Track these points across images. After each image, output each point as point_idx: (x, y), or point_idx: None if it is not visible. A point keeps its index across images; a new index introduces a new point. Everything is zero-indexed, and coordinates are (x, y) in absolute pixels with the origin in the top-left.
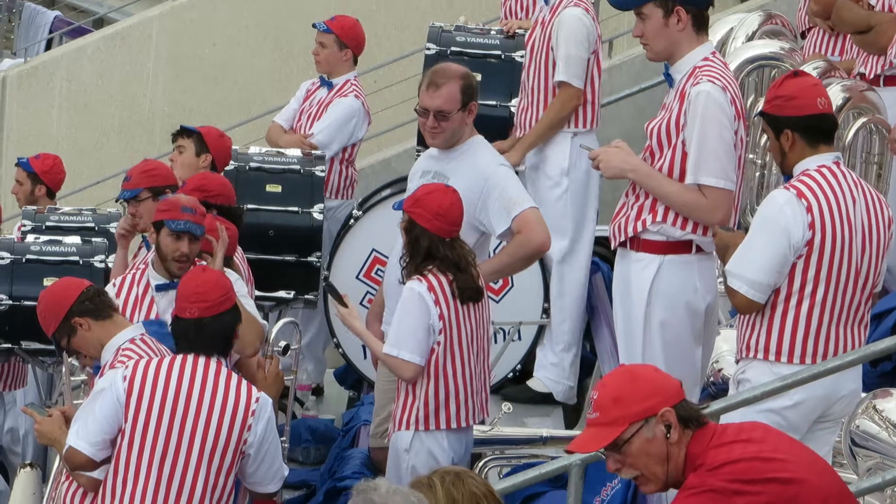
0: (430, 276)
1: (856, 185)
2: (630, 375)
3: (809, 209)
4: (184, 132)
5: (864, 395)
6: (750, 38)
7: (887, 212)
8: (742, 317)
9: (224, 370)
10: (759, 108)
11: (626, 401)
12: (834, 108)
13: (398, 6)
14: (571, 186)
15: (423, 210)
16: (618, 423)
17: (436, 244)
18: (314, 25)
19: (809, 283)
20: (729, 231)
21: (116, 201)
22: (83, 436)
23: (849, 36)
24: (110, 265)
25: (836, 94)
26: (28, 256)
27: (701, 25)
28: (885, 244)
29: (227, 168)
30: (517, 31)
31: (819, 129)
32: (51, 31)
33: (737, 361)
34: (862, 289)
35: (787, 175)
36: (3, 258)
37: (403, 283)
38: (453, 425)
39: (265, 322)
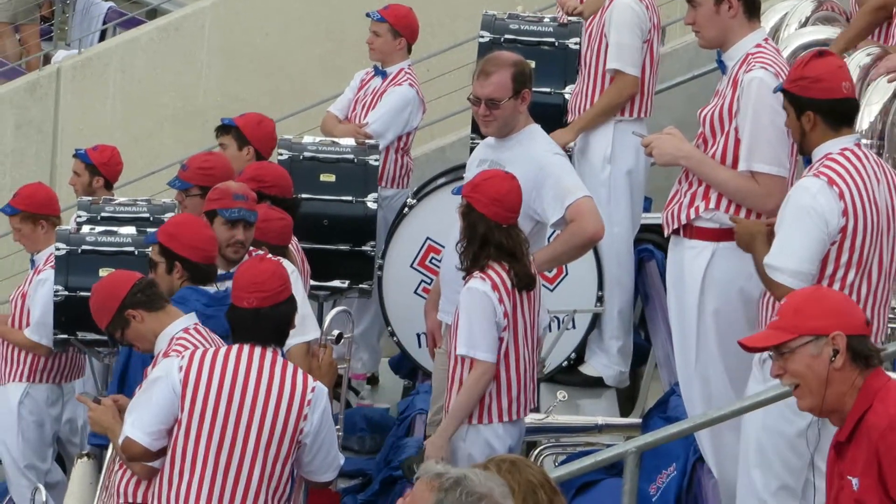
0: (491, 273)
1: (878, 167)
2: (819, 294)
3: (842, 196)
4: (222, 128)
5: None
6: (803, 25)
7: None
8: (766, 301)
9: (280, 360)
10: (779, 85)
11: (804, 313)
12: (889, 94)
13: None
14: (614, 173)
15: (482, 195)
16: (789, 331)
17: (492, 230)
18: (368, 14)
19: (841, 268)
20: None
21: (168, 185)
22: (139, 426)
23: None
24: None
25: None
26: (84, 247)
27: (753, 12)
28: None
29: (281, 158)
30: (570, 18)
31: (842, 114)
32: (104, 23)
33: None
34: (888, 271)
35: (806, 155)
36: (59, 249)
37: (462, 270)
38: (505, 419)
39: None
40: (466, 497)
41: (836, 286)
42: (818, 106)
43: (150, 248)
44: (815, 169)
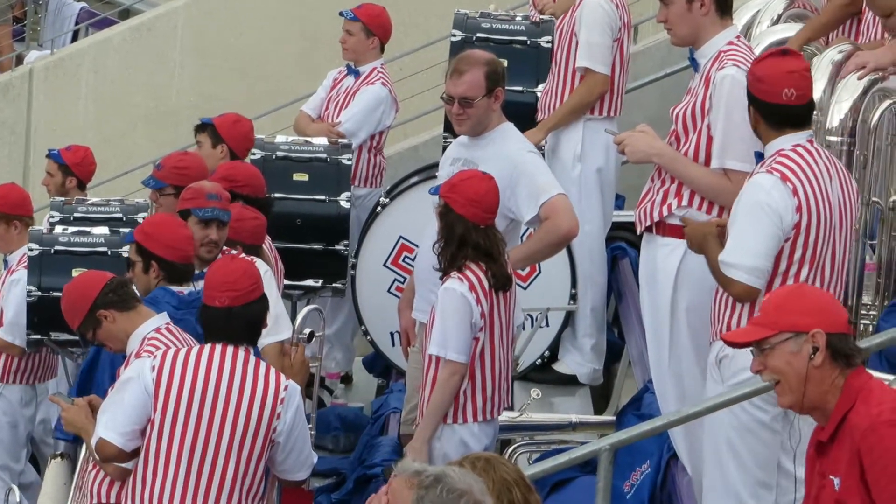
0: (469, 273)
1: (830, 163)
2: (801, 291)
3: (795, 192)
4: (199, 127)
5: (891, 376)
6: (775, 22)
7: (854, 186)
8: (720, 298)
9: (252, 359)
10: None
11: (785, 310)
12: (859, 91)
13: None
14: (584, 171)
15: (459, 196)
16: (770, 327)
17: (469, 231)
18: (341, 13)
19: (795, 264)
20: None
21: (142, 183)
22: (112, 426)
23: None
24: None
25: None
26: (56, 248)
27: (724, 9)
28: (854, 221)
29: (253, 157)
30: (543, 17)
31: (782, 117)
32: (77, 23)
33: (711, 341)
34: (840, 267)
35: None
36: (32, 249)
37: (440, 271)
38: (480, 418)
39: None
40: (447, 494)
41: (791, 281)
42: (757, 105)
43: (128, 247)
44: (767, 165)
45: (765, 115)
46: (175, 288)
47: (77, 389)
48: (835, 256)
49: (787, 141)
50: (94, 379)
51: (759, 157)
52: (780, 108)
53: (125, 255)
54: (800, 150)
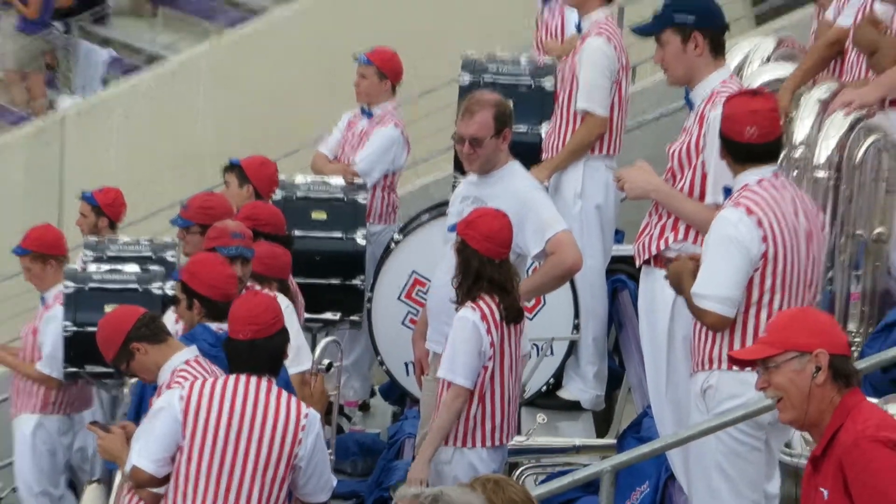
0: (482, 304)
1: (795, 195)
2: (806, 314)
3: (760, 223)
4: (228, 167)
5: (875, 399)
6: (765, 62)
7: (821, 216)
8: (699, 330)
9: (275, 388)
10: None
11: (791, 330)
12: (845, 128)
13: (434, 37)
14: (585, 208)
15: (475, 232)
16: (775, 346)
17: (485, 265)
18: (355, 58)
19: (767, 293)
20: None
21: (170, 222)
22: (145, 454)
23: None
24: (167, 291)
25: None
26: (90, 285)
27: (718, 50)
28: (822, 248)
29: (275, 197)
30: (546, 59)
31: (744, 154)
32: (106, 70)
33: (693, 373)
34: (812, 292)
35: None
36: (67, 287)
37: (456, 303)
38: (488, 444)
39: None
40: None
41: (765, 312)
42: (723, 141)
43: (174, 285)
44: (734, 199)
45: (730, 151)
46: (213, 325)
47: (133, 417)
48: (806, 283)
49: (751, 175)
50: (143, 408)
51: (728, 192)
52: (742, 145)
53: (155, 291)
54: (764, 183)
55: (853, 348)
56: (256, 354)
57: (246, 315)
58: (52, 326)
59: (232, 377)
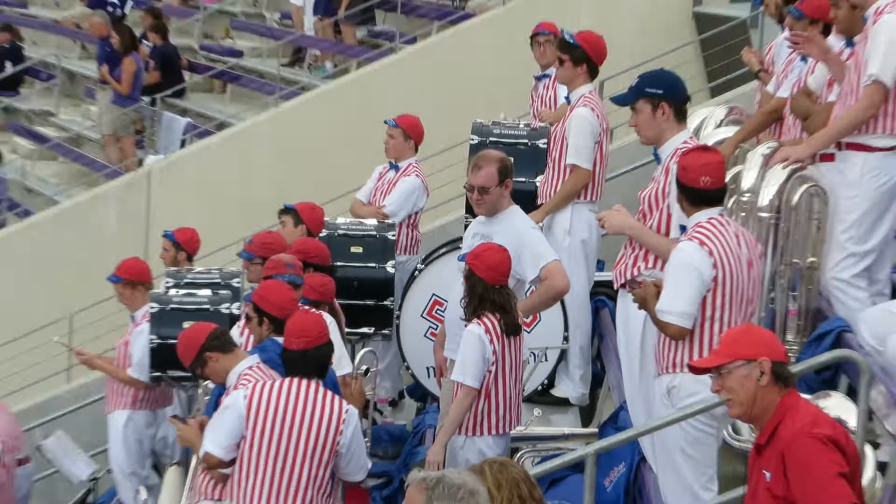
0: (486, 320)
1: (737, 230)
2: (751, 329)
3: (711, 253)
4: (284, 210)
5: (809, 396)
6: (718, 126)
7: (759, 248)
8: (662, 340)
9: (321, 389)
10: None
11: (739, 343)
12: (783, 178)
13: (450, 107)
14: (572, 243)
15: (481, 263)
16: (727, 356)
17: (488, 290)
18: (385, 122)
19: (717, 309)
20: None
21: (237, 255)
22: (215, 442)
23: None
24: (234, 311)
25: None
26: (171, 305)
27: (681, 116)
28: (761, 273)
29: (321, 235)
30: (540, 124)
31: (698, 198)
32: (184, 134)
33: (658, 375)
34: (752, 308)
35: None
36: (153, 307)
37: (465, 320)
38: (494, 432)
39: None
40: (448, 489)
41: (717, 325)
42: (681, 188)
43: (246, 305)
44: (689, 234)
45: (686, 196)
46: (280, 339)
47: (210, 412)
48: (747, 302)
49: (703, 215)
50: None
51: (683, 229)
52: (697, 191)
53: (224, 311)
54: (713, 221)
55: (791, 355)
56: (307, 362)
57: (298, 330)
58: (141, 339)
59: (287, 380)
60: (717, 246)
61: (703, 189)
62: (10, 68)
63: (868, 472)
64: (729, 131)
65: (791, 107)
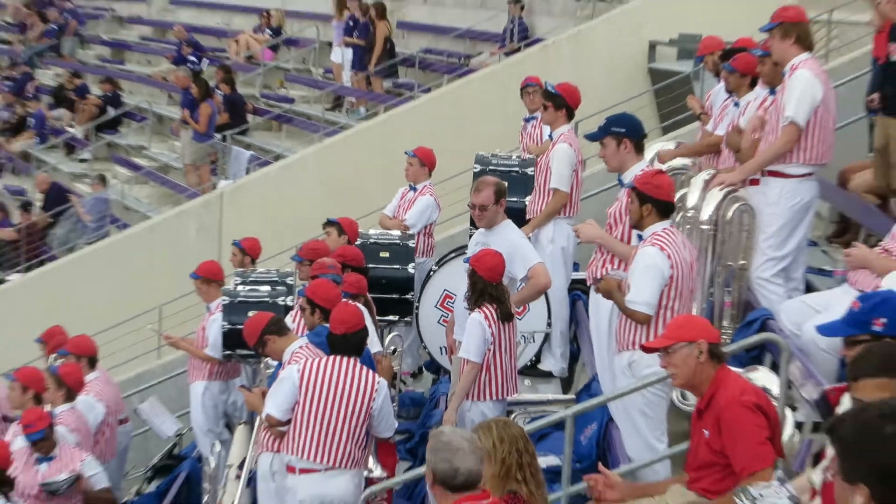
0: (485, 309)
1: (683, 238)
2: (691, 318)
3: (669, 256)
4: (329, 223)
5: (740, 370)
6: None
7: (696, 252)
8: (623, 323)
9: (358, 365)
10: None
11: (683, 329)
12: (720, 198)
13: (458, 142)
14: (554, 250)
15: (481, 265)
16: (673, 338)
17: (487, 286)
18: (406, 153)
19: (671, 300)
20: (604, 280)
21: (290, 258)
22: (275, 406)
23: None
24: (288, 303)
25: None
26: (239, 298)
27: (639, 149)
28: (698, 273)
29: (357, 242)
30: (529, 156)
31: (666, 209)
32: (248, 164)
33: (619, 352)
34: (693, 299)
35: (639, 230)
36: (224, 300)
37: (468, 310)
38: (493, 398)
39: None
40: (437, 442)
41: (669, 311)
42: (655, 202)
43: (300, 298)
44: (650, 241)
45: (659, 207)
46: (328, 325)
47: (270, 383)
48: (690, 294)
49: (658, 226)
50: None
51: (640, 237)
52: (668, 203)
53: (280, 303)
54: (667, 231)
55: (726, 337)
56: (347, 343)
57: (341, 318)
58: (215, 325)
59: (332, 357)
60: (672, 250)
61: (669, 202)
62: (111, 112)
63: (788, 430)
64: (678, 161)
65: (726, 142)
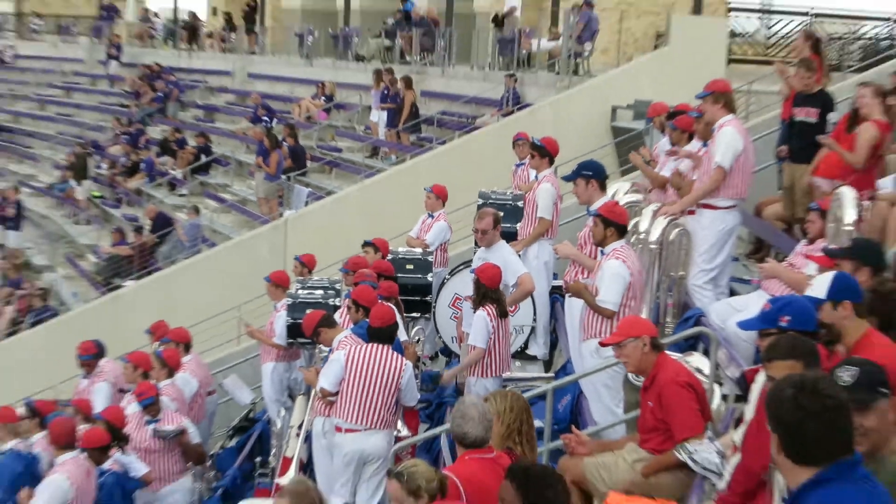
0: (487, 308)
1: (634, 253)
2: (637, 319)
3: (629, 267)
4: (366, 244)
5: (678, 355)
6: (625, 193)
7: (641, 265)
8: (590, 317)
9: (390, 350)
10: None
11: (631, 328)
12: (665, 224)
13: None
14: (538, 264)
15: (484, 275)
16: (623, 335)
17: (488, 291)
18: (425, 189)
19: (629, 300)
20: (574, 283)
21: (339, 270)
22: (326, 381)
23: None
24: (337, 303)
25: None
26: (299, 299)
27: (603, 188)
28: (644, 281)
29: (388, 257)
30: (519, 192)
31: (623, 231)
32: (306, 198)
33: (585, 339)
34: (642, 301)
35: (601, 247)
36: (288, 300)
37: (473, 309)
38: (493, 375)
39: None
40: (457, 410)
41: (628, 308)
42: (616, 226)
43: (346, 300)
44: (612, 255)
45: (617, 230)
46: (367, 320)
47: (323, 364)
48: (641, 297)
49: (617, 244)
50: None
51: (602, 252)
52: (623, 227)
53: (331, 303)
54: (624, 247)
55: (668, 330)
56: (381, 334)
57: (378, 315)
58: (281, 320)
59: (370, 345)
60: (630, 262)
61: (626, 224)
62: (203, 158)
63: (716, 401)
64: (631, 197)
65: (671, 182)
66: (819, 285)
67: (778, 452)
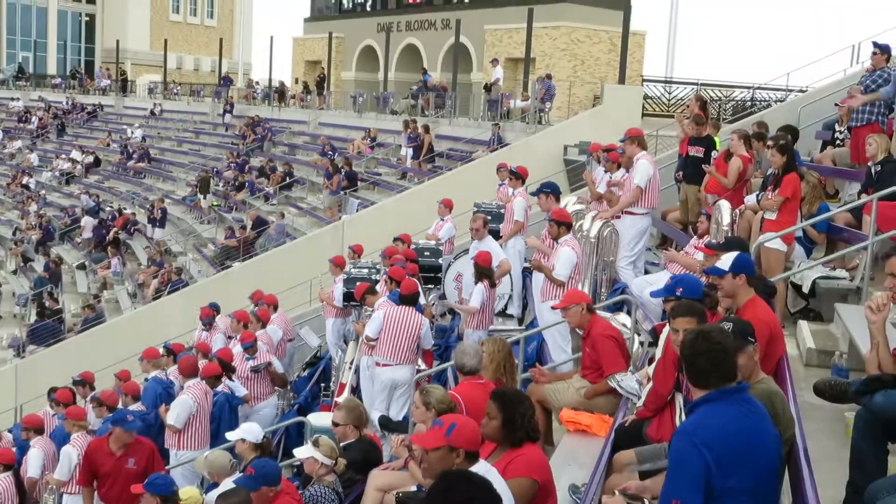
0: (482, 283)
1: (580, 245)
2: (577, 291)
3: (577, 253)
4: (397, 238)
5: (609, 314)
6: (574, 204)
7: (582, 251)
8: (546, 285)
9: (414, 311)
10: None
11: (573, 297)
12: (600, 224)
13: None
14: (515, 252)
15: (479, 259)
16: (568, 302)
17: (483, 269)
18: (437, 201)
19: (575, 275)
20: (534, 262)
21: (379, 256)
22: (371, 330)
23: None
24: (377, 278)
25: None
26: (351, 275)
27: (558, 199)
28: (585, 262)
29: (412, 246)
30: (501, 202)
31: (570, 227)
32: (357, 207)
33: (543, 301)
34: (585, 276)
35: (556, 239)
36: (344, 276)
37: (475, 283)
38: (482, 327)
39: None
40: (458, 348)
41: (573, 281)
42: (566, 225)
43: (384, 276)
44: (564, 244)
45: (566, 227)
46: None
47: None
48: (584, 274)
49: (568, 237)
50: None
51: (556, 242)
52: (570, 225)
53: (374, 278)
54: (571, 239)
55: (603, 297)
56: (408, 300)
57: (406, 286)
58: (339, 289)
59: (400, 307)
60: (578, 250)
61: (571, 223)
62: (288, 180)
63: (635, 346)
64: (577, 206)
65: (605, 197)
66: (725, 260)
67: (685, 378)
